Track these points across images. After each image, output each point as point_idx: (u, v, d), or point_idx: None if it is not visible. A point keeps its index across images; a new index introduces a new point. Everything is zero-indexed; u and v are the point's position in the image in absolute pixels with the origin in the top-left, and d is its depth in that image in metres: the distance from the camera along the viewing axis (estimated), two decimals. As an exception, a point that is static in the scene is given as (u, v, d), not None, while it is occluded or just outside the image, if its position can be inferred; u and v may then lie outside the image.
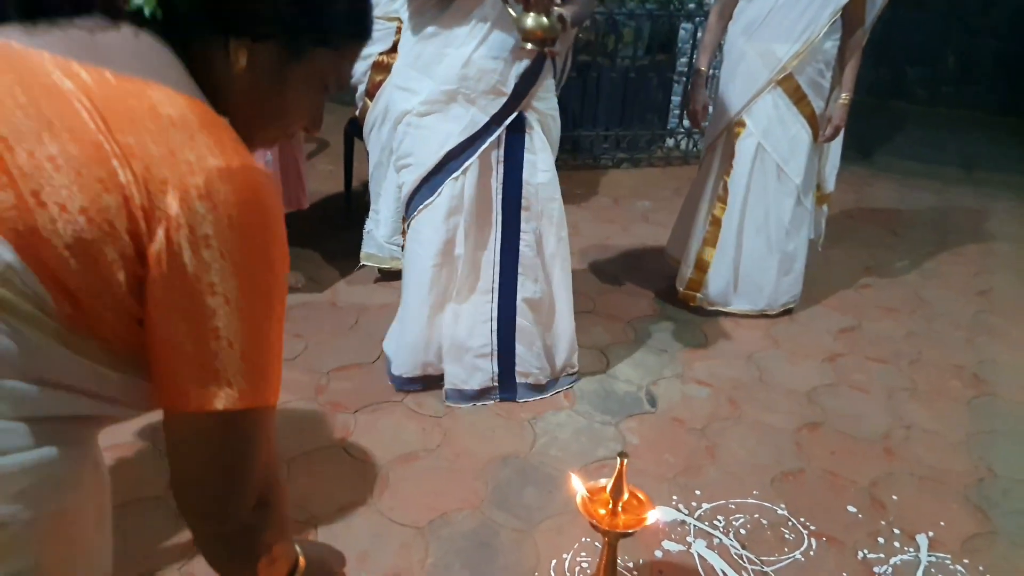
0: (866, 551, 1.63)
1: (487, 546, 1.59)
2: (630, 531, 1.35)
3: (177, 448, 0.67)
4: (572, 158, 4.47)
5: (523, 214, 1.93)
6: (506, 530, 1.63)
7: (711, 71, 2.67)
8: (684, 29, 4.48)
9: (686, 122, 4.41)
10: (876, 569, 1.59)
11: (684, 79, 4.48)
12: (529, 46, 1.70)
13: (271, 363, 0.67)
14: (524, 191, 1.91)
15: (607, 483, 1.37)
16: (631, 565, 1.56)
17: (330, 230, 3.11)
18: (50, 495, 0.63)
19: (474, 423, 2.00)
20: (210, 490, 0.68)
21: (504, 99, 1.81)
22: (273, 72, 0.71)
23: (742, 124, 2.47)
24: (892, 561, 1.61)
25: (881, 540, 1.67)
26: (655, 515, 1.36)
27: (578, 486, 1.38)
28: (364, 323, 2.45)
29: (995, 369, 2.41)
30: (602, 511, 1.36)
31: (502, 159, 1.88)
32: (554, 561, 1.56)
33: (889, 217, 3.84)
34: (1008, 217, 3.90)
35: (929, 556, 1.63)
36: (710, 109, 2.62)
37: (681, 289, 2.69)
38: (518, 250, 1.95)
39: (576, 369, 2.19)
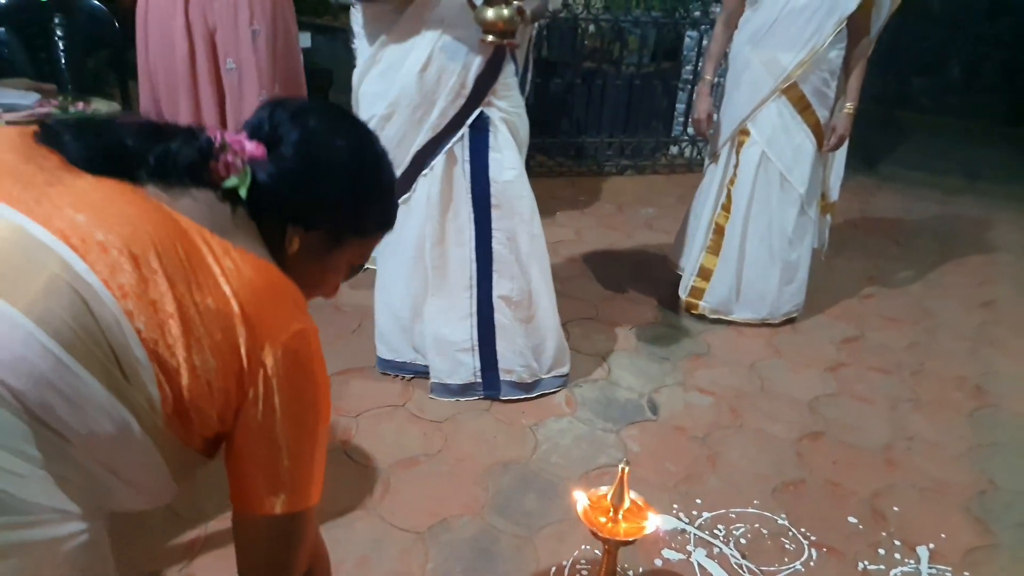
0: (866, 562, 1.63)
1: (487, 552, 1.59)
2: (631, 539, 1.34)
3: (245, 541, 0.85)
4: (576, 164, 4.48)
5: (494, 212, 1.94)
6: (506, 536, 1.63)
7: (716, 79, 2.67)
8: (690, 37, 4.48)
9: (690, 130, 4.41)
10: (877, 581, 1.58)
11: (689, 87, 4.49)
12: (490, 38, 1.70)
13: (318, 476, 0.86)
14: (492, 189, 1.92)
15: (608, 491, 1.37)
16: (631, 574, 1.56)
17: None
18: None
19: (476, 429, 2.00)
20: (270, 572, 0.87)
21: (464, 99, 1.82)
22: (316, 256, 0.90)
23: (746, 132, 2.47)
24: (892, 573, 1.61)
25: (882, 551, 1.66)
26: (655, 523, 1.36)
27: (579, 497, 1.38)
28: (367, 327, 2.44)
29: (998, 381, 2.41)
30: (603, 519, 1.36)
31: (467, 158, 1.90)
32: (554, 568, 1.56)
33: (893, 227, 3.83)
34: (1011, 228, 3.90)
35: (930, 568, 1.63)
36: (714, 118, 2.63)
37: (684, 297, 2.69)
38: (491, 248, 1.96)
39: (567, 371, 2.19)
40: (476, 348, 2.04)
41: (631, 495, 1.38)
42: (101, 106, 3.13)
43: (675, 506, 1.76)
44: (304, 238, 0.87)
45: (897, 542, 1.69)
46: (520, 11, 1.70)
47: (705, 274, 2.63)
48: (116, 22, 3.00)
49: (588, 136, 4.46)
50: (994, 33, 6.16)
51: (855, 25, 2.33)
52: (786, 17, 2.30)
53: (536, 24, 1.99)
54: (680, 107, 4.62)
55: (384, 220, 0.97)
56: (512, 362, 2.06)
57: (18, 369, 0.65)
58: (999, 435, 2.12)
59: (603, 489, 1.39)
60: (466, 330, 2.02)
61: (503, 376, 2.07)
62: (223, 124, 2.31)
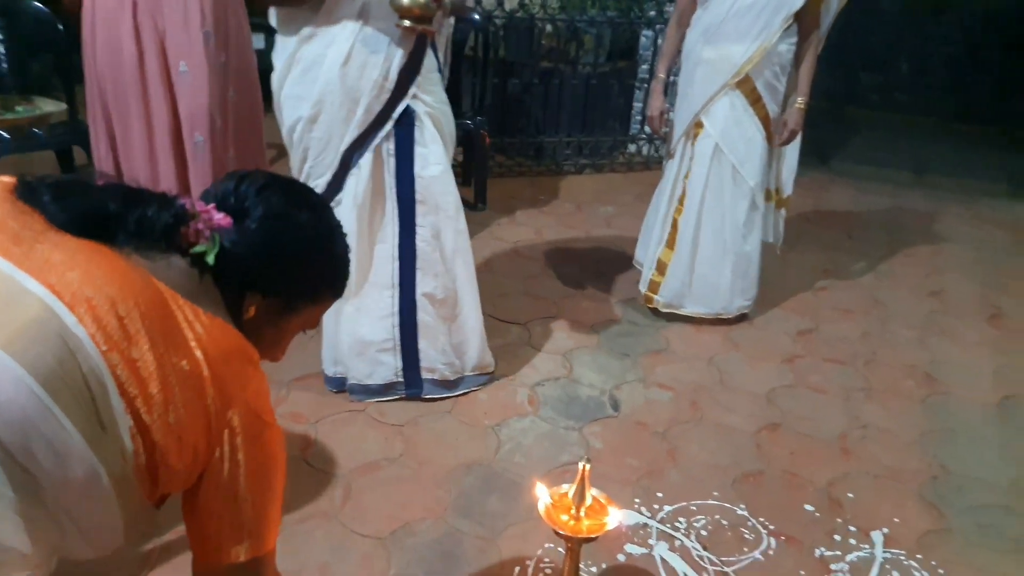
0: (823, 549, 1.66)
1: (450, 555, 1.58)
2: (593, 536, 1.35)
3: None
4: (535, 164, 4.49)
5: (418, 208, 1.92)
6: (470, 538, 1.63)
7: (670, 78, 2.70)
8: (645, 36, 4.53)
9: (647, 128, 4.46)
10: (833, 567, 1.62)
11: (645, 85, 4.53)
12: (407, 23, 1.70)
13: (276, 522, 0.92)
14: (417, 184, 1.90)
15: (569, 489, 1.37)
16: (594, 570, 1.56)
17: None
18: None
19: (437, 431, 1.99)
20: None
21: (388, 93, 1.81)
22: (271, 320, 0.96)
23: (700, 125, 2.50)
24: (848, 558, 1.64)
25: (838, 538, 1.70)
26: (617, 519, 1.37)
27: (541, 493, 1.38)
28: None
29: (947, 368, 2.48)
30: (565, 517, 1.36)
31: (392, 153, 1.88)
32: (517, 568, 1.56)
33: (845, 220, 3.92)
34: (958, 220, 4.02)
35: (884, 553, 1.67)
36: (668, 116, 2.66)
37: (643, 291, 2.72)
38: (415, 245, 1.95)
39: (492, 370, 2.19)
40: (398, 347, 2.01)
41: (592, 492, 1.38)
42: (46, 106, 3.05)
43: (637, 501, 1.77)
44: (261, 304, 0.93)
45: (852, 528, 1.73)
46: None
47: (661, 268, 2.66)
48: (61, 25, 2.91)
49: (547, 135, 4.47)
50: (940, 30, 6.34)
51: (804, 20, 2.38)
52: (735, 14, 2.34)
53: (452, 21, 1.97)
54: (637, 106, 4.66)
55: (336, 287, 1.05)
56: (435, 360, 2.04)
57: (4, 412, 0.67)
58: (950, 421, 2.19)
59: (564, 487, 1.39)
60: (387, 329, 1.99)
61: (425, 375, 2.06)
62: (176, 129, 2.26)
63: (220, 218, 0.88)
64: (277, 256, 0.92)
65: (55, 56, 3.10)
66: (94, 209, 0.81)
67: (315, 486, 1.75)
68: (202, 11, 2.18)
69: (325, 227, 1.00)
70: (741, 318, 2.71)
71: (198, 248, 0.85)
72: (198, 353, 0.78)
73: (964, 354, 2.59)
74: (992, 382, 2.41)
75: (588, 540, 1.36)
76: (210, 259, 0.85)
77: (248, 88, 2.39)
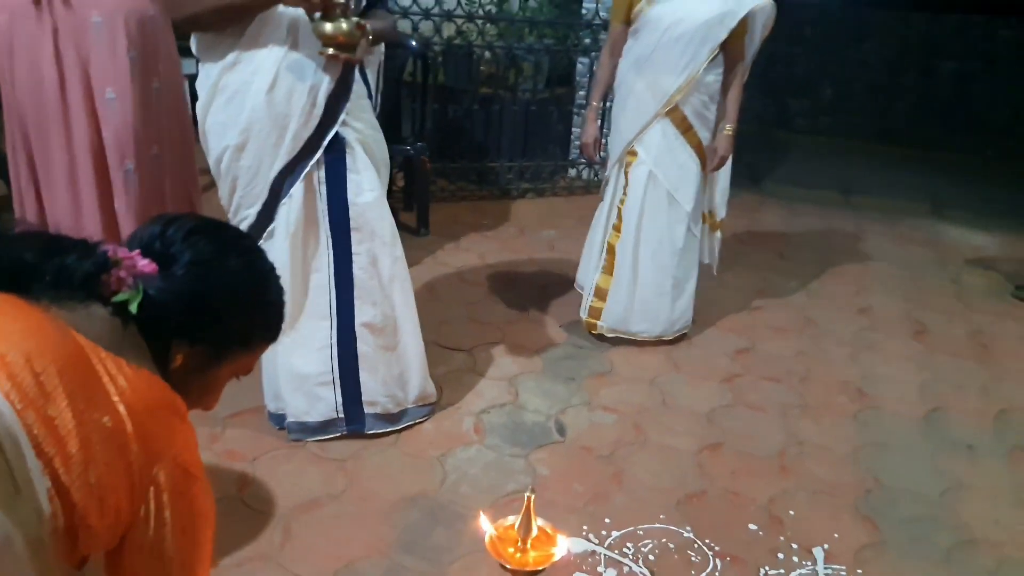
0: (767, 567, 1.69)
1: (395, 593, 1.54)
2: (539, 568, 1.34)
3: None
4: (479, 188, 4.50)
5: (354, 235, 1.89)
6: (414, 574, 1.59)
7: (605, 104, 2.76)
8: (581, 63, 4.62)
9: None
10: (777, 585, 1.64)
11: (583, 111, 4.61)
12: (331, 51, 1.68)
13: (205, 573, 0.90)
14: (351, 212, 1.87)
15: (515, 520, 1.36)
16: (542, 601, 1.55)
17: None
18: None
19: (380, 465, 1.95)
20: None
21: (317, 120, 1.79)
22: (199, 369, 0.92)
23: (634, 153, 2.56)
24: (791, 575, 1.67)
25: (781, 556, 1.73)
26: (563, 549, 1.36)
27: (486, 526, 1.36)
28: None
29: (877, 383, 2.57)
30: (511, 549, 1.35)
31: (324, 180, 1.85)
32: (465, 603, 1.53)
33: (777, 241, 4.05)
34: (882, 238, 4.20)
35: (825, 569, 1.70)
36: (603, 142, 2.71)
37: (584, 317, 2.74)
38: (352, 273, 1.91)
39: (434, 400, 2.16)
40: (337, 381, 1.95)
41: (538, 522, 1.37)
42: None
43: (584, 527, 1.77)
44: (189, 353, 0.90)
45: (794, 545, 1.76)
46: (360, 26, 1.68)
47: (601, 294, 2.69)
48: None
49: (488, 160, 4.49)
50: (860, 56, 6.67)
51: (729, 51, 2.47)
52: (665, 46, 2.42)
53: (383, 48, 1.96)
54: (576, 131, 4.73)
55: (270, 333, 1.02)
56: (376, 393, 1.99)
57: None
58: (881, 435, 2.26)
59: (510, 519, 1.38)
60: (325, 362, 1.93)
61: (367, 409, 2.00)
62: (102, 159, 2.17)
63: (144, 264, 0.85)
64: (205, 304, 0.89)
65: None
66: (8, 260, 0.79)
67: (253, 527, 1.68)
68: (128, 35, 2.11)
69: (257, 272, 0.97)
70: (681, 338, 2.76)
71: (120, 296, 0.82)
72: (121, 408, 0.76)
73: (892, 369, 2.69)
74: (919, 395, 2.51)
75: (535, 573, 1.35)
76: (133, 308, 0.82)
77: (179, 115, 2.33)
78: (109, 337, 0.80)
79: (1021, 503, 1.98)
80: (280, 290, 1.02)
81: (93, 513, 0.75)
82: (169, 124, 2.28)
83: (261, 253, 1.00)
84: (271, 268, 1.00)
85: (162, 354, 0.88)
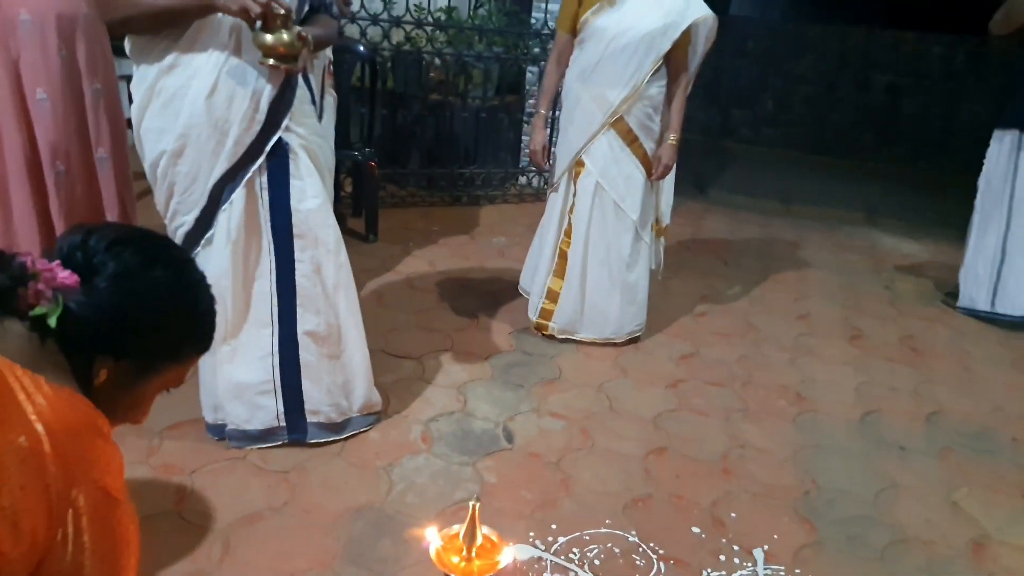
0: (709, 570, 1.72)
1: (339, 606, 1.51)
2: (485, 576, 1.33)
3: None
4: (429, 195, 4.49)
5: (296, 242, 1.86)
6: (359, 587, 1.57)
7: (553, 112, 2.79)
8: (531, 72, 4.66)
9: (536, 160, 4.57)
10: (719, 587, 1.67)
11: (533, 119, 4.65)
12: (271, 62, 1.66)
13: None
14: (294, 218, 1.85)
15: (460, 529, 1.35)
16: (489, 609, 1.54)
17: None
18: None
19: (325, 475, 1.91)
20: None
21: (259, 126, 1.76)
22: (126, 384, 0.89)
23: (582, 164, 2.60)
24: (733, 577, 1.71)
25: (723, 558, 1.76)
26: (509, 557, 1.36)
27: (431, 536, 1.35)
28: (204, 374, 2.29)
29: (815, 387, 2.65)
30: (456, 559, 1.34)
31: (266, 186, 1.82)
32: (410, 614, 1.51)
33: (721, 248, 4.15)
34: (820, 247, 4.34)
35: (765, 569, 1.74)
36: (551, 150, 2.74)
37: (534, 318, 2.76)
38: (294, 281, 1.88)
39: (379, 409, 2.14)
40: (279, 389, 1.92)
41: (484, 530, 1.37)
42: None
43: (531, 534, 1.77)
44: (113, 368, 0.86)
45: (736, 547, 1.80)
46: (301, 36, 1.66)
47: (552, 296, 2.72)
48: None
49: (439, 167, 4.48)
50: (800, 70, 6.90)
51: (673, 62, 2.52)
52: (609, 56, 2.46)
53: (327, 52, 1.94)
54: (526, 139, 4.77)
55: (200, 345, 1.00)
56: (319, 402, 1.97)
57: None
58: (818, 438, 2.33)
59: (455, 528, 1.37)
60: (267, 370, 1.90)
61: (310, 418, 1.97)
62: (35, 160, 2.09)
63: (65, 276, 0.81)
64: (130, 318, 0.85)
65: None
66: None
67: (191, 542, 1.63)
68: (60, 33, 2.04)
69: (185, 284, 0.94)
70: (632, 341, 2.80)
71: (38, 311, 0.79)
72: (39, 427, 0.73)
73: (829, 373, 2.78)
74: (855, 399, 2.60)
75: (481, 581, 1.34)
76: (52, 322, 0.79)
77: (115, 118, 2.26)
78: (27, 354, 0.77)
79: (951, 502, 2.07)
80: (211, 300, 0.99)
81: (6, 539, 0.71)
82: (109, 127, 2.21)
83: (190, 263, 0.97)
84: (200, 278, 0.97)
85: (85, 370, 0.85)
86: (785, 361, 2.84)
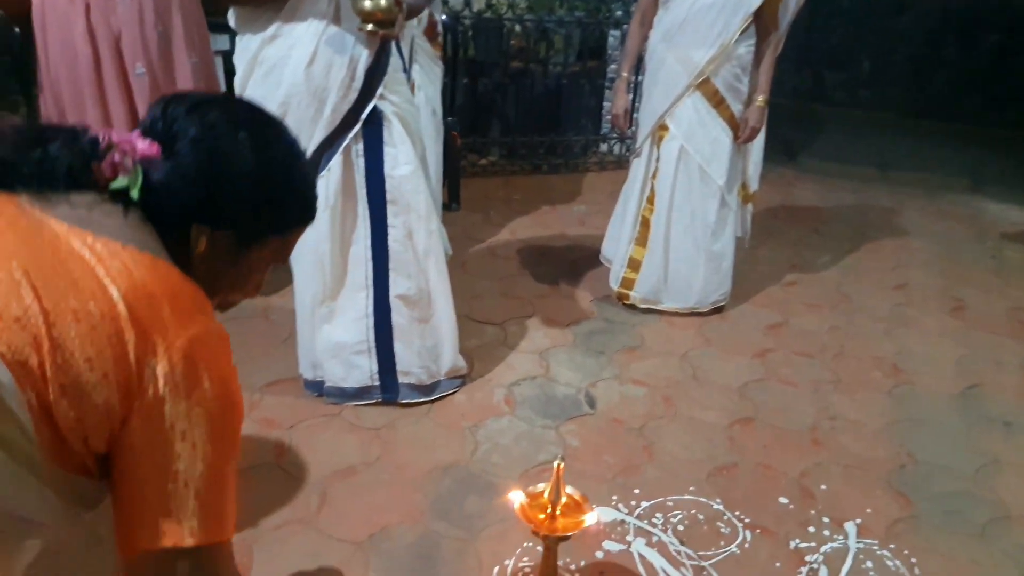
0: (798, 540, 1.69)
1: (429, 558, 1.57)
2: (568, 534, 1.36)
3: None
4: (509, 163, 4.50)
5: (390, 208, 1.91)
6: (448, 540, 1.62)
7: (636, 76, 2.73)
8: (613, 36, 4.56)
9: (617, 127, 4.50)
10: (808, 558, 1.64)
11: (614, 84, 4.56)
12: (369, 27, 1.69)
13: (226, 502, 0.75)
14: (388, 184, 1.89)
15: (545, 488, 1.38)
16: (573, 567, 1.57)
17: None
18: None
19: (414, 434, 1.98)
20: None
21: (356, 94, 1.79)
22: (228, 255, 0.84)
23: (665, 128, 2.53)
24: (823, 549, 1.67)
25: (812, 529, 1.73)
26: (593, 517, 1.38)
27: (515, 494, 1.39)
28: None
29: (912, 359, 2.54)
30: (541, 516, 1.37)
31: (361, 153, 1.86)
32: (496, 568, 1.56)
33: (812, 216, 3.99)
34: (920, 214, 4.11)
35: (857, 543, 1.70)
36: (634, 115, 2.68)
37: (615, 288, 2.74)
38: (388, 246, 1.93)
39: (464, 372, 2.18)
40: (373, 350, 1.99)
41: (568, 490, 1.39)
42: None
43: (614, 497, 1.79)
44: (213, 237, 0.81)
45: (826, 519, 1.76)
46: (398, 1, 1.69)
47: (634, 265, 2.69)
48: (16, 28, 2.84)
49: (519, 135, 4.48)
50: (899, 28, 6.47)
51: (762, 21, 2.42)
52: (695, 15, 2.37)
53: (415, 22, 1.95)
54: (607, 105, 4.69)
55: (303, 214, 0.92)
56: (410, 364, 2.03)
57: None
58: (915, 411, 2.24)
59: (540, 486, 1.40)
60: (362, 331, 1.98)
61: (401, 379, 2.04)
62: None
63: (144, 146, 0.77)
64: (219, 183, 0.79)
65: (11, 60, 3.02)
66: None
67: (290, 492, 1.73)
68: (157, 10, 2.13)
69: (278, 145, 0.86)
70: (716, 311, 2.74)
71: (117, 183, 0.74)
72: (113, 291, 0.67)
73: (928, 345, 2.65)
74: (955, 372, 2.47)
75: (564, 538, 1.37)
76: (134, 193, 0.74)
77: (211, 90, 2.36)
78: (103, 224, 0.72)
79: (1060, 480, 1.95)
80: (306, 167, 0.93)
81: (78, 416, 0.67)
82: None
83: (280, 126, 0.89)
84: (293, 141, 0.89)
85: (181, 244, 0.79)
86: (880, 332, 2.72)
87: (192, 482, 0.71)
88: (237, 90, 1.84)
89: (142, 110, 2.18)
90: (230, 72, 2.20)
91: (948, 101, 6.38)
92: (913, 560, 1.65)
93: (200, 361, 0.72)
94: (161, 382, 0.69)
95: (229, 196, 0.81)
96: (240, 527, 1.59)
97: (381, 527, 1.64)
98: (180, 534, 0.70)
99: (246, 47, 1.78)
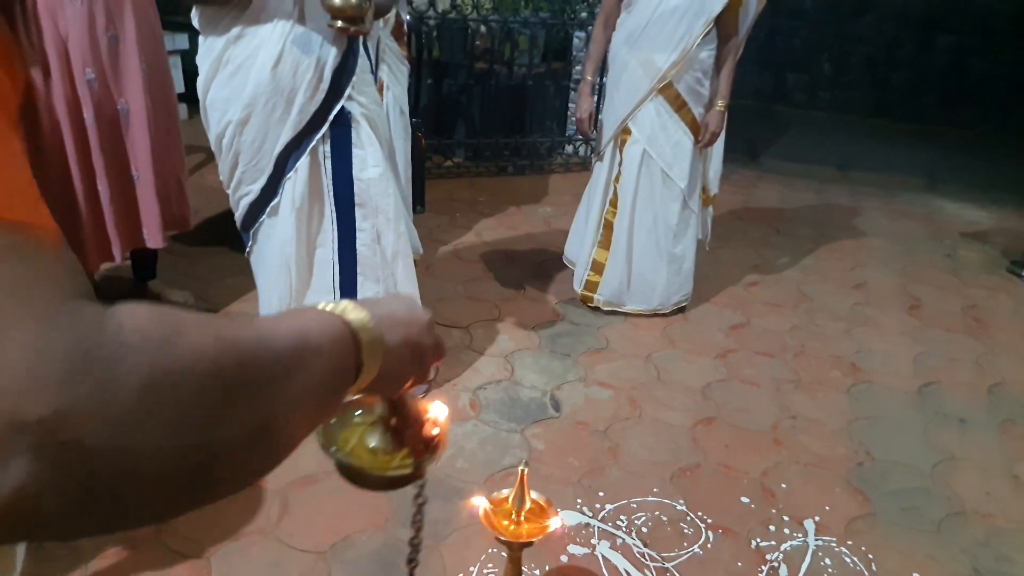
0: (759, 539, 1.71)
1: (392, 565, 1.56)
2: (533, 540, 1.35)
3: None
4: (475, 165, 4.48)
5: (358, 211, 1.89)
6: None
7: (601, 79, 2.74)
8: (578, 37, 4.58)
9: (583, 128, 4.52)
10: (768, 556, 1.67)
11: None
12: (339, 24, 1.68)
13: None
14: (356, 188, 1.87)
15: (509, 493, 1.37)
16: (537, 572, 1.57)
17: (220, 246, 2.99)
18: None
19: (377, 439, 1.96)
20: None
21: (323, 94, 1.78)
22: None
23: (628, 131, 2.55)
24: (783, 547, 1.69)
25: (772, 528, 1.75)
26: (557, 522, 1.38)
27: (479, 500, 1.38)
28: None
29: (871, 358, 2.59)
30: (505, 522, 1.36)
31: (329, 155, 1.84)
32: (460, 574, 1.55)
33: (773, 216, 4.05)
34: (878, 214, 4.20)
35: (816, 540, 1.73)
36: (598, 117, 2.70)
37: (579, 291, 2.75)
38: (356, 249, 1.91)
39: (433, 377, 2.16)
40: None
41: (533, 495, 1.39)
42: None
43: (579, 501, 1.79)
44: None
45: (786, 518, 1.79)
46: None
47: (598, 268, 2.70)
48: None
49: (484, 137, 4.47)
50: (859, 31, 6.61)
51: (723, 26, 2.45)
52: (658, 19, 2.39)
53: (381, 23, 1.93)
54: (572, 107, 4.71)
55: None
56: None
57: None
58: (873, 409, 2.28)
59: (504, 492, 1.39)
60: None
61: None
62: (83, 139, 2.12)
63: None
64: None
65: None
66: None
67: (250, 503, 1.70)
68: (108, 12, 2.06)
69: None
70: (676, 312, 2.77)
71: None
72: None
73: (886, 344, 2.70)
74: (912, 370, 2.53)
75: (528, 544, 1.37)
76: None
77: (164, 93, 2.29)
78: None
79: (1012, 475, 2.01)
80: None
81: None
82: (156, 105, 2.23)
83: None
84: None
85: None
86: (839, 331, 2.77)
87: None
88: (200, 92, 1.80)
89: (88, 115, 2.10)
90: (189, 72, 2.14)
91: (906, 101, 6.54)
92: (871, 556, 1.68)
93: None
94: None
95: None
96: (198, 538, 1.56)
97: (343, 535, 1.62)
98: None
99: (210, 48, 1.74)
